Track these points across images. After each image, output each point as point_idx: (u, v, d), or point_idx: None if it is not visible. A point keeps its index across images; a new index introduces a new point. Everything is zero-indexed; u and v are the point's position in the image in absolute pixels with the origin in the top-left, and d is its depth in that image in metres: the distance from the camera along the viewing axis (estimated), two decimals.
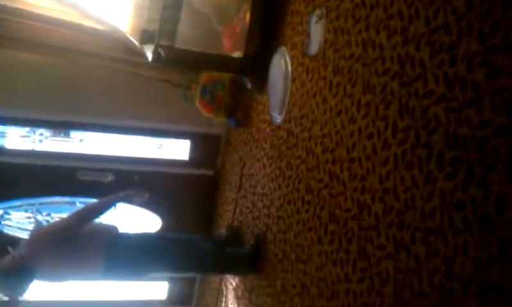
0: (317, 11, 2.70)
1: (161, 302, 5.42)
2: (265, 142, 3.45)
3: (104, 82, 4.20)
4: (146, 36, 3.32)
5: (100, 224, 3.29)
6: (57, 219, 3.34)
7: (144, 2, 3.38)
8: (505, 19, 1.44)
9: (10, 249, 3.02)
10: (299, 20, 3.02)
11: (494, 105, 1.46)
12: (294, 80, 3.00)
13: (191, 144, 4.72)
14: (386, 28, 2.05)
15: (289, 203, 2.95)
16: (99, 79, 4.18)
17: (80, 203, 4.56)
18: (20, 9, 3.66)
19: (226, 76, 3.91)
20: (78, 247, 3.02)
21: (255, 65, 3.44)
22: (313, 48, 2.71)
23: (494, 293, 1.39)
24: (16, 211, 4.70)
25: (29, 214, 4.70)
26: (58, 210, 4.68)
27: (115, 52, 3.96)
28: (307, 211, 2.70)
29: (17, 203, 4.60)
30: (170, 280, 5.35)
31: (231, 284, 4.05)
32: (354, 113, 2.25)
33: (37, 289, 4.90)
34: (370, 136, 2.10)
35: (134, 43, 3.54)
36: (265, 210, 3.36)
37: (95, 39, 3.90)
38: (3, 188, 4.24)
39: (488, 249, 1.43)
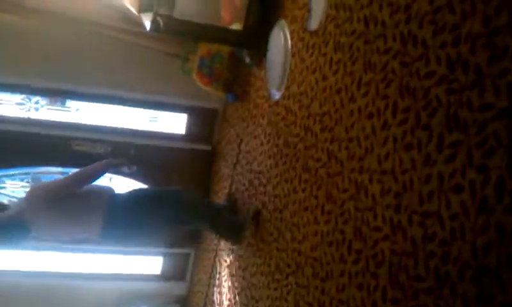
0: None
1: (155, 276, 5.43)
2: (263, 118, 3.41)
3: (103, 51, 4.15)
4: (144, 5, 3.26)
5: (97, 186, 3.28)
6: (56, 178, 3.31)
7: None
8: (510, 0, 1.39)
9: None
10: None
11: (496, 88, 1.42)
12: (293, 55, 2.94)
13: (187, 118, 4.68)
14: (389, 5, 1.99)
15: (286, 181, 2.92)
16: (98, 48, 4.13)
17: None
18: None
19: (224, 49, 3.85)
20: (76, 206, 3.07)
21: (254, 38, 3.38)
22: (314, 23, 2.65)
23: (490, 279, 1.37)
24: (11, 180, 4.68)
25: (24, 183, 4.67)
26: None
27: (114, 21, 3.88)
28: (304, 190, 2.67)
29: (11, 171, 4.57)
30: (165, 255, 5.35)
31: (225, 261, 4.04)
32: (354, 92, 2.20)
33: (32, 259, 4.94)
34: (369, 116, 2.06)
35: (132, 11, 3.47)
36: (261, 188, 3.33)
37: (95, 7, 3.82)
38: None
39: (486, 234, 1.40)
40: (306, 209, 2.62)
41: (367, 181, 2.05)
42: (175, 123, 4.79)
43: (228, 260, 3.96)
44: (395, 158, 1.86)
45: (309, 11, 2.73)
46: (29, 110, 4.61)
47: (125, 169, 3.33)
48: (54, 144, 4.42)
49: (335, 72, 2.39)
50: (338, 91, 2.34)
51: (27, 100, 4.72)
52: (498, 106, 1.41)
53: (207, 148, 4.74)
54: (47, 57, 4.06)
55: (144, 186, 4.48)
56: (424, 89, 1.73)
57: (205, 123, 4.69)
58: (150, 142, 4.66)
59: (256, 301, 3.20)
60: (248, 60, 3.60)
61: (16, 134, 4.30)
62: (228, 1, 3.53)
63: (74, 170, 3.34)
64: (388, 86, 1.95)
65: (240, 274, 3.59)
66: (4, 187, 4.66)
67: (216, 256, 4.37)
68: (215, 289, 4.29)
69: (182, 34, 3.72)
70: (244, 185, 3.71)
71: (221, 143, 4.53)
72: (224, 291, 3.97)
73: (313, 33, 2.68)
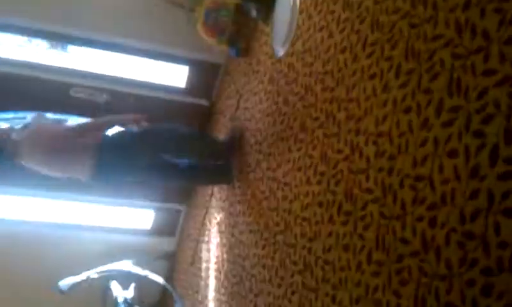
0: None
1: (145, 231, 5.45)
2: (265, 75, 3.37)
3: None
4: None
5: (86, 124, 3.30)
6: (61, 121, 3.32)
7: None
8: None
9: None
10: None
11: (502, 54, 1.39)
12: (301, 11, 2.88)
13: (189, 70, 4.62)
14: None
15: (282, 140, 2.90)
16: None
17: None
18: None
19: (231, 1, 3.77)
20: (69, 147, 3.09)
21: None
22: None
23: (476, 245, 1.36)
24: (6, 123, 4.64)
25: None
26: None
27: None
28: (299, 150, 2.65)
29: (7, 115, 4.53)
30: (156, 210, 5.37)
31: (215, 218, 4.05)
32: (358, 51, 2.16)
33: (24, 207, 4.96)
34: (372, 77, 2.03)
35: None
36: (256, 146, 3.31)
37: None
38: None
39: (475, 200, 1.38)
40: (299, 169, 2.61)
41: (363, 143, 2.02)
42: (175, 75, 4.73)
43: (218, 218, 3.97)
44: (393, 120, 1.84)
45: None
46: (29, 53, 4.56)
47: (135, 127, 3.31)
48: (52, 90, 4.37)
49: (342, 31, 2.34)
50: (343, 51, 2.30)
51: (28, 42, 4.66)
52: (503, 72, 1.37)
53: (206, 102, 4.70)
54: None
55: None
56: (429, 51, 1.70)
57: (206, 77, 4.63)
58: (149, 94, 4.62)
59: (244, 259, 3.21)
60: (254, 14, 3.52)
61: (15, 77, 4.24)
62: None
63: (72, 118, 3.33)
64: (394, 47, 1.90)
65: (230, 232, 3.61)
66: None
67: (206, 213, 4.39)
68: (203, 245, 4.31)
69: None
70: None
71: (221, 98, 4.49)
72: (213, 248, 3.99)
73: None
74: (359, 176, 2.01)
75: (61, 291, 4.14)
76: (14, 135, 3.15)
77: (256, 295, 2.89)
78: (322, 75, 2.49)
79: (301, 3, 2.91)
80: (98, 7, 4.12)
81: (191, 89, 4.67)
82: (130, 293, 4.64)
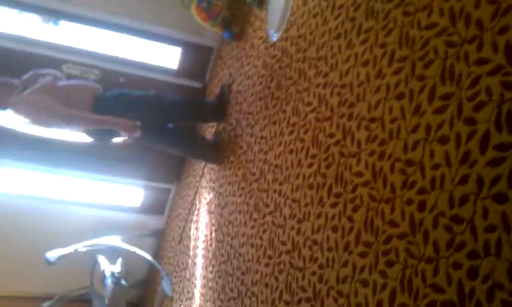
0: None
1: (134, 208, 5.48)
2: (258, 59, 3.39)
3: None
4: None
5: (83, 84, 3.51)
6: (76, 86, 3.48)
7: None
8: None
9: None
10: None
11: (495, 44, 1.43)
12: None
13: (181, 52, 4.62)
14: None
15: (274, 123, 2.94)
16: None
17: None
18: None
19: None
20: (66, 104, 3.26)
21: None
22: None
23: (463, 229, 1.41)
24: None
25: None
26: None
27: None
28: (291, 133, 2.69)
29: None
30: (146, 188, 5.40)
31: (205, 198, 4.09)
32: (353, 38, 2.19)
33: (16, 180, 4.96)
34: (365, 63, 2.07)
35: None
36: (248, 129, 3.35)
37: None
38: None
39: (465, 185, 1.43)
40: (291, 152, 2.65)
41: (355, 127, 2.07)
42: (168, 56, 4.73)
43: (208, 198, 4.00)
44: (385, 106, 1.88)
45: None
46: (20, 26, 4.52)
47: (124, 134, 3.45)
48: (43, 65, 4.33)
49: (337, 17, 2.38)
50: (337, 37, 2.34)
51: (20, 16, 4.62)
52: (495, 62, 1.42)
53: (198, 85, 4.71)
54: None
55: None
56: (423, 39, 1.74)
57: (199, 59, 4.65)
58: (141, 73, 4.62)
59: (232, 238, 3.26)
60: None
61: (6, 51, 4.21)
62: None
63: None
64: (388, 35, 1.94)
65: (219, 212, 3.65)
66: None
67: (196, 193, 4.42)
68: (192, 224, 4.35)
69: None
70: (231, 124, 3.71)
71: (213, 81, 4.50)
72: (201, 227, 4.03)
73: None
74: (350, 160, 2.06)
75: (49, 262, 4.17)
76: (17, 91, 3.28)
77: (243, 273, 2.94)
78: (316, 60, 2.52)
79: None
80: None
81: (183, 71, 4.69)
82: (117, 267, 4.67)
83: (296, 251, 2.37)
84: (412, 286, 1.57)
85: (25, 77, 3.39)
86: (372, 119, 1.95)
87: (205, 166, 4.24)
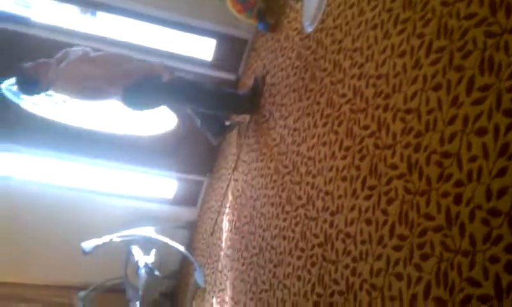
0: None
1: (167, 200, 5.55)
2: (293, 51, 3.38)
3: None
4: None
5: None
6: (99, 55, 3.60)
7: None
8: None
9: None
10: None
11: None
12: None
13: (216, 44, 4.64)
14: None
15: (308, 115, 2.92)
16: None
17: None
18: None
19: None
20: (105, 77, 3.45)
21: None
22: None
23: (501, 222, 1.38)
24: None
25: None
26: None
27: None
28: (324, 125, 2.68)
29: None
30: (179, 180, 5.45)
31: (237, 190, 4.10)
32: (390, 28, 2.17)
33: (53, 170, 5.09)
34: (402, 54, 2.04)
35: None
36: (281, 121, 3.34)
37: None
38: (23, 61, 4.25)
39: (502, 178, 1.40)
40: (324, 144, 2.63)
41: (390, 119, 2.04)
42: (202, 48, 4.76)
43: (241, 190, 4.02)
44: (422, 97, 1.85)
45: None
46: (59, 17, 4.61)
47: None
48: None
49: (374, 8, 2.35)
50: (374, 27, 2.31)
51: (58, 7, 4.72)
52: None
53: (232, 77, 4.72)
54: None
55: None
56: (461, 30, 1.70)
57: (233, 51, 4.65)
58: (176, 65, 4.64)
59: (264, 230, 3.26)
60: None
61: (43, 41, 4.29)
62: None
63: None
64: (426, 25, 1.91)
65: (251, 204, 3.66)
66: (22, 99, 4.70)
67: (228, 185, 4.44)
68: (224, 217, 4.38)
69: None
70: (264, 116, 3.71)
71: (247, 73, 4.51)
72: (234, 219, 4.05)
73: None
74: (385, 152, 2.04)
75: (84, 252, 4.27)
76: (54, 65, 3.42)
77: (275, 266, 2.94)
78: (352, 51, 2.50)
79: None
80: None
81: (217, 63, 4.70)
82: (151, 258, 4.75)
83: (328, 243, 2.36)
84: (448, 279, 1.54)
85: (57, 55, 3.51)
86: (408, 111, 1.92)
87: (237, 158, 4.26)
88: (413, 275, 1.72)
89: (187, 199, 5.54)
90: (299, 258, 2.66)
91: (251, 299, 3.22)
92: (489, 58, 1.55)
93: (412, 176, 1.83)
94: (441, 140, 1.70)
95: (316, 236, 2.51)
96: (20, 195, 4.87)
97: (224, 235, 4.22)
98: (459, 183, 1.57)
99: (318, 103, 2.81)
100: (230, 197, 4.32)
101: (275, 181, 3.25)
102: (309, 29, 3.10)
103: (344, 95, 2.51)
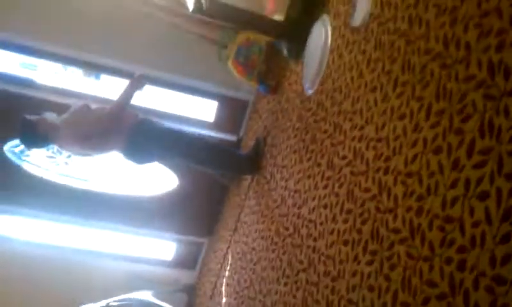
0: None
1: (166, 262, 5.45)
2: (293, 112, 3.39)
3: (141, 30, 4.17)
4: None
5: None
6: (98, 108, 3.58)
7: None
8: None
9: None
10: None
11: None
12: (332, 51, 2.91)
13: (218, 106, 4.68)
14: (435, 6, 1.95)
15: (309, 177, 2.90)
16: (136, 26, 4.15)
17: None
18: None
19: (263, 40, 3.84)
20: (103, 128, 3.42)
21: (295, 31, 3.36)
22: (357, 19, 2.62)
23: (506, 290, 1.32)
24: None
25: (49, 153, 4.73)
26: None
27: None
28: (325, 187, 2.64)
29: None
30: (178, 242, 5.37)
31: (237, 253, 4.03)
32: (389, 91, 2.17)
33: (47, 231, 5.03)
34: (402, 116, 2.03)
35: None
36: (282, 183, 3.32)
37: None
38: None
39: (507, 244, 1.36)
40: (325, 206, 2.59)
41: (391, 182, 2.01)
42: (204, 109, 4.79)
43: (241, 253, 3.94)
44: (422, 160, 1.82)
45: (353, 7, 2.70)
46: (63, 80, 4.68)
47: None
48: None
49: (372, 71, 2.36)
50: (373, 90, 2.31)
51: (63, 70, 4.79)
52: None
53: (233, 138, 4.74)
54: (85, 28, 4.11)
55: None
56: (460, 92, 1.69)
57: (234, 113, 4.69)
58: (178, 125, 4.67)
59: (264, 296, 3.17)
60: (286, 53, 3.58)
61: (48, 103, 4.33)
62: None
63: None
64: (425, 88, 1.91)
65: (251, 267, 3.58)
66: (28, 155, 4.72)
67: (229, 247, 4.37)
68: (224, 280, 4.28)
69: (223, 19, 3.72)
70: (265, 178, 3.69)
71: (248, 134, 4.52)
72: (234, 283, 3.95)
73: (355, 30, 2.65)
74: (386, 216, 1.99)
75: None
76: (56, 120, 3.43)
77: None
78: (351, 114, 2.50)
79: (332, 43, 2.94)
80: (131, 39, 4.22)
81: (219, 124, 4.73)
82: None
83: None
84: None
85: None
86: (409, 174, 1.89)
87: (238, 220, 4.20)
88: None
89: (187, 261, 5.45)
90: None
91: None
92: (489, 121, 1.53)
93: (415, 241, 1.78)
94: (443, 204, 1.66)
95: (318, 302, 2.43)
96: (11, 256, 4.80)
97: (224, 300, 4.11)
98: (462, 249, 1.52)
99: (319, 165, 2.79)
100: (231, 259, 4.24)
101: (276, 243, 3.19)
102: (309, 91, 3.11)
103: (344, 157, 2.49)
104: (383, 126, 2.16)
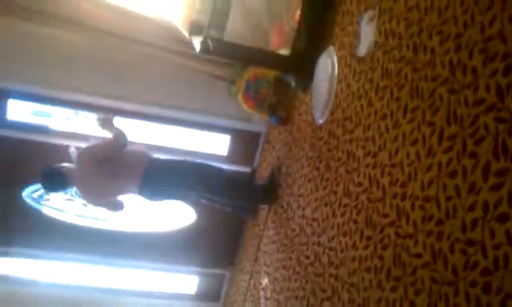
0: (369, 12, 2.66)
1: (190, 296, 5.47)
2: (305, 142, 3.43)
3: (151, 70, 4.25)
4: (195, 28, 3.36)
5: (135, 150, 3.74)
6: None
7: None
8: None
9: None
10: (349, 20, 2.97)
11: None
12: (339, 81, 2.96)
13: (230, 139, 4.74)
14: (438, 33, 2.00)
15: (325, 205, 2.92)
16: (145, 67, 4.23)
17: None
18: None
19: (271, 74, 3.91)
20: (118, 167, 3.50)
21: (301, 64, 3.41)
22: (362, 49, 2.67)
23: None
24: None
25: (68, 196, 4.80)
26: None
27: (165, 42, 4.00)
28: (343, 214, 2.67)
29: None
30: (200, 275, 5.39)
31: (260, 283, 4.04)
32: (399, 118, 2.20)
33: (66, 271, 5.08)
34: (414, 142, 2.06)
35: (183, 33, 3.58)
36: (299, 211, 3.34)
37: (146, 26, 3.95)
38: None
39: None
40: (345, 234, 2.61)
41: (409, 207, 2.03)
42: (217, 143, 4.85)
43: (264, 283, 3.95)
44: (439, 185, 1.85)
45: (358, 37, 2.76)
46: (77, 125, 4.77)
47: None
48: None
49: (381, 98, 2.40)
50: (384, 117, 2.35)
51: (76, 115, 4.88)
52: None
53: (247, 170, 4.78)
54: (95, 73, 4.20)
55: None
56: (471, 116, 1.73)
57: (247, 145, 4.73)
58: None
59: None
60: (294, 84, 3.64)
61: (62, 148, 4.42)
62: (278, 26, 3.59)
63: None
64: (435, 113, 1.94)
65: (275, 298, 3.59)
66: (48, 200, 4.79)
67: (251, 278, 4.37)
68: None
69: (230, 58, 3.80)
70: (282, 207, 3.72)
71: (262, 165, 4.56)
72: None
73: (361, 60, 2.70)
74: (407, 241, 2.01)
75: None
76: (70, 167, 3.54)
77: None
78: (364, 141, 2.53)
79: (339, 73, 2.99)
80: (142, 81, 4.30)
81: (232, 157, 4.77)
82: None
83: None
84: None
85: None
86: (426, 199, 1.92)
87: (258, 250, 4.22)
88: None
89: (210, 294, 5.45)
90: None
91: None
92: (502, 143, 1.56)
93: (437, 265, 1.79)
94: (463, 227, 1.68)
95: None
96: (35, 299, 4.86)
97: None
98: (486, 272, 1.54)
99: (335, 192, 2.82)
100: (253, 290, 4.24)
101: (298, 273, 3.20)
102: (320, 121, 3.16)
103: (360, 184, 2.52)
104: (396, 152, 2.20)
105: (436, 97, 1.96)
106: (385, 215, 2.22)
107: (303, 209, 3.28)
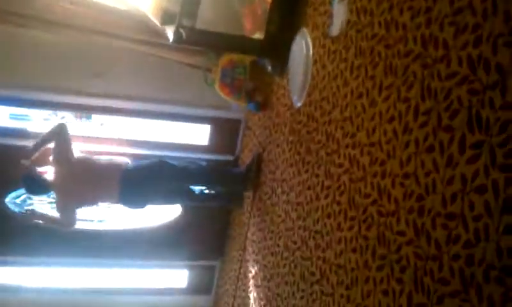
0: None
1: (181, 290, 5.45)
2: (285, 126, 3.41)
3: (125, 64, 4.18)
4: (167, 17, 3.31)
5: (112, 159, 3.79)
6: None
7: None
8: None
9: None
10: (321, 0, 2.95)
11: None
12: (314, 62, 2.94)
13: (211, 128, 4.70)
14: (409, 8, 1.98)
15: (308, 188, 2.92)
16: (120, 61, 4.15)
17: None
18: None
19: (246, 59, 3.87)
20: (95, 179, 3.58)
21: (276, 47, 3.38)
22: (335, 29, 2.65)
23: None
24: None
25: (51, 199, 4.74)
26: None
27: (137, 34, 3.93)
28: (326, 196, 2.66)
29: None
30: (190, 268, 5.37)
31: (250, 272, 4.04)
32: (375, 96, 2.19)
33: (56, 274, 5.03)
34: (391, 119, 2.05)
35: (155, 23, 3.53)
36: (284, 196, 3.33)
37: (117, 19, 3.88)
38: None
39: (510, 235, 1.38)
40: (329, 216, 2.61)
41: (390, 185, 2.03)
42: (197, 134, 4.82)
43: (254, 271, 3.95)
44: (417, 161, 1.85)
45: (330, 17, 2.73)
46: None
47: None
48: None
49: (356, 77, 2.39)
50: (360, 96, 2.34)
51: (54, 115, 4.83)
52: None
53: (229, 158, 4.75)
54: (70, 71, 4.13)
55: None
56: (445, 90, 1.72)
57: (228, 133, 4.70)
58: (173, 154, 4.69)
59: None
60: (270, 69, 3.61)
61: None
62: (250, 10, 3.55)
63: None
64: (410, 89, 1.93)
65: (266, 285, 3.59)
66: (32, 204, 4.73)
67: (241, 267, 4.37)
68: (241, 300, 4.28)
69: (204, 45, 3.75)
70: (266, 193, 3.71)
71: (244, 152, 4.54)
72: (251, 302, 3.96)
73: (335, 39, 2.68)
74: (390, 219, 2.01)
75: None
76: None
77: None
78: (342, 122, 2.52)
79: (314, 54, 2.97)
80: (118, 75, 4.23)
81: (214, 146, 4.74)
82: None
83: None
84: None
85: None
86: (406, 175, 1.92)
87: (245, 238, 4.22)
88: None
89: (201, 286, 5.43)
90: None
91: None
92: (476, 115, 1.56)
93: (420, 241, 1.80)
94: (443, 201, 1.68)
95: None
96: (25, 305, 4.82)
97: None
98: (468, 244, 1.54)
99: (317, 175, 2.81)
100: (244, 279, 4.24)
101: (286, 258, 3.20)
102: (298, 104, 3.14)
103: (341, 165, 2.51)
104: (374, 130, 2.19)
105: (409, 73, 1.95)
106: (367, 195, 2.22)
107: (287, 194, 3.27)
